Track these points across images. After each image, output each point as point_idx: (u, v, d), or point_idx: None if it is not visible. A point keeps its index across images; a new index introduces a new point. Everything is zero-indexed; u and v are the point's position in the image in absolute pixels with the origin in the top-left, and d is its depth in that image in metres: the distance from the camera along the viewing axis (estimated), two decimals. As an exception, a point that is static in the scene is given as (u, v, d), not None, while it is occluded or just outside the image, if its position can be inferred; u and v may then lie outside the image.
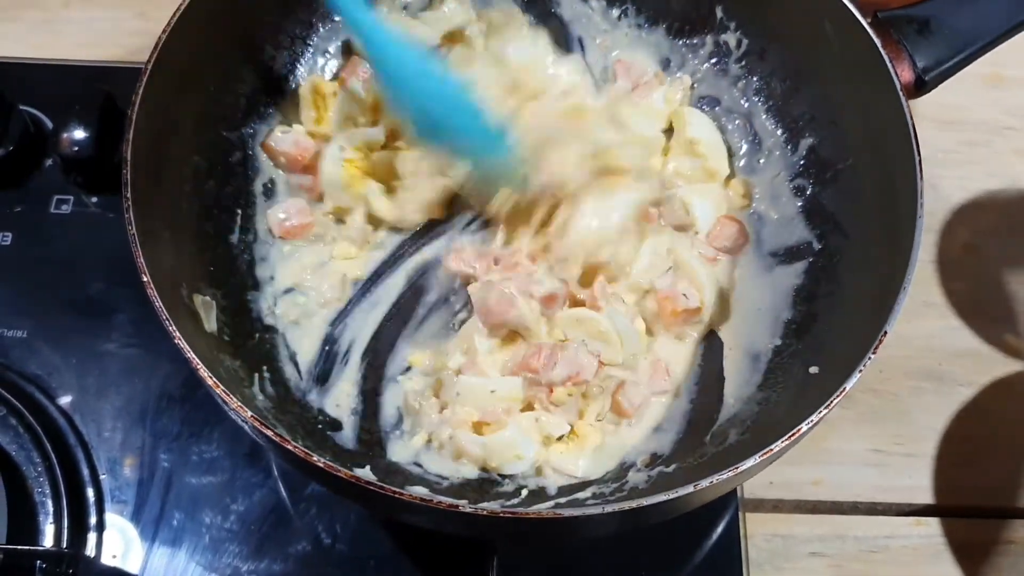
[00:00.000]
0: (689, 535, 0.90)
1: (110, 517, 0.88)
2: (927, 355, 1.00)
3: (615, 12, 1.02)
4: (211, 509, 0.89)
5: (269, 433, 0.66)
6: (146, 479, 0.90)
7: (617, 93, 1.00)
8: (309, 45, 0.99)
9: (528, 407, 0.85)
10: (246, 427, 0.68)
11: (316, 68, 1.00)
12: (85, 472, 0.90)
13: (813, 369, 0.79)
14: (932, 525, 0.92)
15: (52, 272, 0.99)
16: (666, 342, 0.90)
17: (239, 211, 0.93)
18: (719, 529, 0.90)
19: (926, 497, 0.94)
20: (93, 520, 0.88)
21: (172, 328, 0.69)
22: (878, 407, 0.97)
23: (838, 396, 0.68)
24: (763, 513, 0.93)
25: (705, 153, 0.96)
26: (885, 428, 0.96)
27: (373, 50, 0.87)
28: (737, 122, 0.99)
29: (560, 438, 0.85)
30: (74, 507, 0.87)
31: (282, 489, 0.90)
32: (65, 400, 0.93)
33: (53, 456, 0.87)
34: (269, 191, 0.95)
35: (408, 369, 0.90)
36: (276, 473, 0.90)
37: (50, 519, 0.85)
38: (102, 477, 0.90)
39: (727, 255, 0.94)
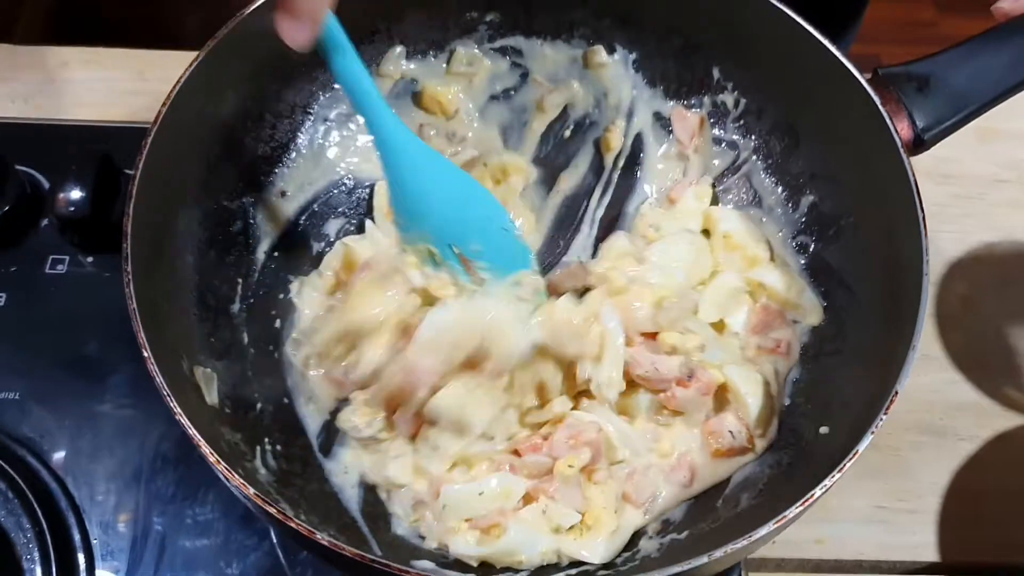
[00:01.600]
0: (693, 596, 0.88)
1: (101, 583, 0.87)
2: (927, 409, 1.00)
3: (614, 75, 1.03)
4: (205, 573, 0.87)
5: (272, 510, 0.65)
6: (139, 542, 0.88)
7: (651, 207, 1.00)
8: (309, 114, 1.00)
9: (530, 500, 0.82)
10: (248, 504, 0.67)
11: (317, 136, 1.00)
12: (76, 537, 0.88)
13: (823, 429, 0.79)
14: (938, 584, 0.91)
15: (46, 332, 0.98)
16: (682, 430, 0.87)
17: (240, 281, 0.92)
18: (723, 590, 0.88)
19: (931, 554, 0.93)
20: (84, 587, 0.86)
21: (173, 404, 0.68)
22: (879, 463, 0.96)
23: (850, 459, 0.67)
24: (766, 573, 0.91)
25: (742, 244, 0.94)
26: (887, 484, 0.95)
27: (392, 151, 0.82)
28: (736, 181, 0.99)
29: (571, 528, 0.81)
30: (64, 574, 0.85)
31: (278, 551, 0.89)
32: (58, 463, 0.91)
33: (44, 522, 0.85)
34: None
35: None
36: (272, 535, 0.89)
37: (39, 587, 0.84)
38: (94, 541, 0.88)
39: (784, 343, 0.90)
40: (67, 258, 1.02)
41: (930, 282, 1.04)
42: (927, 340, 1.03)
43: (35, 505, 0.86)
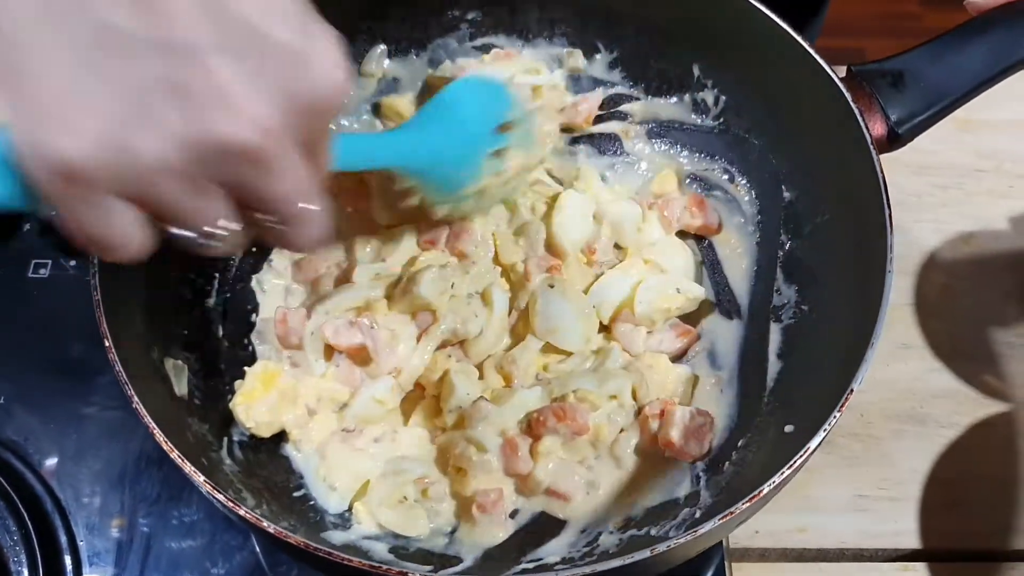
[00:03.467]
0: (675, 587, 0.89)
1: (88, 585, 0.87)
2: (907, 398, 1.00)
3: (595, 76, 1.03)
4: (191, 573, 0.88)
5: (221, 497, 0.66)
6: (125, 544, 0.89)
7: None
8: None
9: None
10: (202, 491, 0.68)
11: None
12: (63, 539, 0.88)
13: (788, 428, 0.78)
14: (920, 570, 0.91)
15: (30, 336, 0.98)
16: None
17: (216, 275, 0.92)
18: (706, 581, 0.89)
19: (912, 542, 0.93)
20: (71, 589, 0.86)
21: (130, 391, 0.68)
22: (860, 452, 0.97)
23: (802, 456, 0.67)
24: (749, 563, 0.92)
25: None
26: (868, 473, 0.96)
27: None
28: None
29: None
30: (51, 576, 0.85)
31: (257, 549, 0.89)
32: (43, 466, 0.92)
33: (29, 524, 0.86)
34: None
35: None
36: (253, 536, 0.89)
37: (25, 589, 0.84)
38: (80, 543, 0.89)
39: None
40: (49, 262, 1.02)
41: (909, 272, 1.06)
42: (907, 329, 1.04)
43: (21, 508, 0.87)
